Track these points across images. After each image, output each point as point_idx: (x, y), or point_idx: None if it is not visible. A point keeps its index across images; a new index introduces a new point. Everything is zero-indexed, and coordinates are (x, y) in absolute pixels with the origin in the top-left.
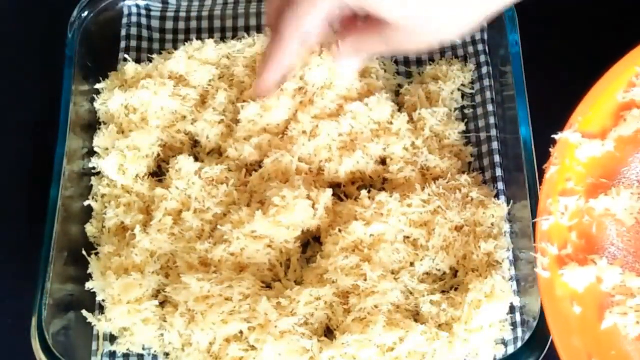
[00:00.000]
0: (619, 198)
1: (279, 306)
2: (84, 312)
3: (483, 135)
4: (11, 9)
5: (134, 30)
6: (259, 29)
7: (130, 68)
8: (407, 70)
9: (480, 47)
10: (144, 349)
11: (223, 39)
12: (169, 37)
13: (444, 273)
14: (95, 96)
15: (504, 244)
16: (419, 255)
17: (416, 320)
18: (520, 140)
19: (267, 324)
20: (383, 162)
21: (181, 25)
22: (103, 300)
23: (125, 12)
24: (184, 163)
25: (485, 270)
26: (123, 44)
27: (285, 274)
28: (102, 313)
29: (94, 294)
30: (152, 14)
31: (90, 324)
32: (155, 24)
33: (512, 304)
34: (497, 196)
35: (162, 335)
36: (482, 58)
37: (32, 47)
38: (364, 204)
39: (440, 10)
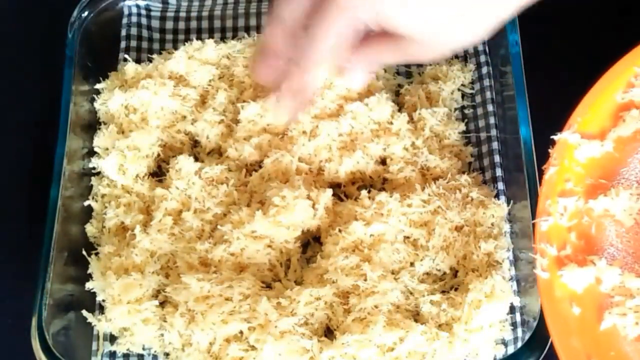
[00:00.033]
0: (618, 199)
1: (279, 306)
2: (84, 312)
3: (483, 135)
4: (11, 9)
5: (134, 30)
6: (259, 29)
7: (130, 68)
8: (407, 70)
9: (480, 47)
10: (144, 349)
11: (223, 39)
12: (169, 37)
13: (444, 273)
14: (95, 96)
15: (504, 244)
16: (419, 255)
17: (416, 320)
18: (520, 140)
19: (267, 324)
20: (383, 162)
21: (181, 25)
22: (103, 300)
23: (125, 12)
24: (184, 163)
25: (485, 270)
26: (123, 44)
27: (285, 274)
28: (102, 313)
29: (94, 294)
30: (152, 14)
31: (90, 324)
32: (155, 24)
33: (512, 304)
34: (497, 196)
35: (162, 335)
36: (482, 58)
37: (32, 47)
38: (364, 204)
39: (457, 22)
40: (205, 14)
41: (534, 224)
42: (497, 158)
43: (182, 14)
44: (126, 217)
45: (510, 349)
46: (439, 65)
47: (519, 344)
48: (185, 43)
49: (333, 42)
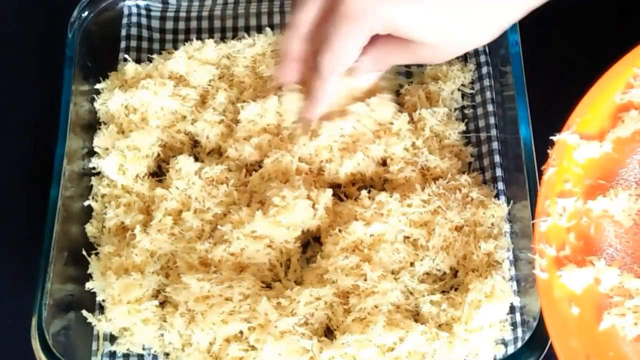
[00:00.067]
0: (616, 199)
1: (279, 306)
2: (84, 312)
3: (483, 135)
4: (11, 9)
5: (134, 30)
6: (259, 29)
7: (130, 68)
8: (407, 70)
9: (480, 47)
10: (144, 349)
11: (223, 39)
12: (169, 37)
13: (444, 273)
14: (95, 96)
15: (504, 244)
16: (419, 255)
17: (416, 320)
18: (520, 140)
19: (267, 324)
20: (384, 162)
21: (181, 25)
22: (103, 300)
23: (125, 12)
24: (184, 163)
25: (485, 270)
26: (123, 44)
27: (285, 274)
28: (102, 313)
29: (94, 294)
30: (152, 14)
31: (90, 324)
32: (155, 24)
33: (512, 304)
34: (497, 196)
35: (162, 335)
36: (482, 58)
37: (32, 47)
38: (364, 204)
39: (466, 26)
40: (205, 14)
41: (533, 225)
42: (497, 158)
43: (182, 14)
44: (126, 217)
45: (510, 349)
46: (438, 65)
47: (519, 344)
48: (185, 43)
49: (346, 51)
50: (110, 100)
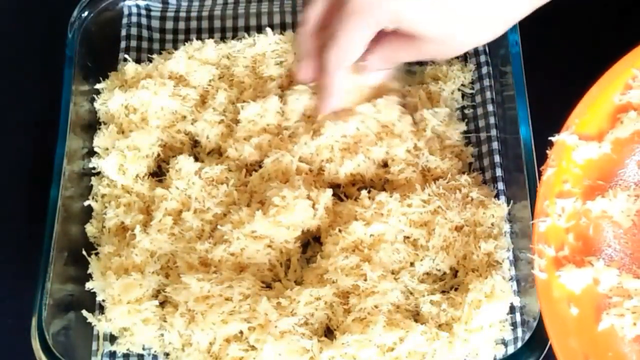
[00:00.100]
0: (615, 200)
1: (279, 306)
2: (84, 312)
3: (483, 135)
4: (11, 9)
5: (134, 30)
6: (259, 29)
7: (130, 68)
8: (409, 69)
9: (480, 47)
10: (144, 349)
11: (223, 39)
12: (169, 37)
13: (444, 273)
14: (95, 96)
15: (504, 244)
16: (419, 255)
17: (416, 320)
18: (520, 140)
19: (267, 324)
20: (384, 164)
21: (181, 25)
22: (103, 300)
23: (125, 12)
24: (184, 163)
25: (485, 270)
26: (123, 44)
27: (285, 274)
28: (102, 313)
29: (94, 294)
30: (152, 14)
31: (90, 324)
32: (155, 24)
33: (512, 304)
34: (497, 196)
35: (162, 335)
36: (482, 58)
37: (32, 47)
38: (364, 204)
39: (471, 23)
40: (205, 14)
41: (532, 225)
42: (497, 158)
43: (182, 14)
44: (126, 217)
45: (510, 349)
46: (438, 65)
47: (519, 344)
48: (185, 43)
49: (352, 45)
50: (110, 100)
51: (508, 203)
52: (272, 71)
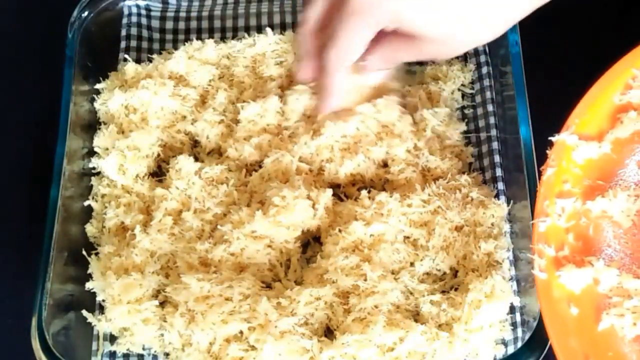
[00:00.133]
0: (615, 200)
1: (279, 306)
2: (84, 312)
3: (483, 135)
4: (11, 9)
5: (134, 30)
6: (259, 29)
7: (130, 68)
8: (409, 69)
9: (480, 47)
10: (144, 349)
11: (223, 39)
12: (169, 37)
13: (444, 273)
14: (95, 96)
15: (504, 244)
16: (419, 255)
17: (416, 320)
18: (520, 140)
19: (267, 324)
20: (384, 164)
21: (181, 25)
22: (103, 300)
23: (125, 12)
24: (184, 163)
25: (485, 270)
26: (123, 44)
27: (285, 274)
28: (102, 313)
29: (94, 294)
30: (152, 14)
31: (90, 324)
32: (155, 24)
33: (512, 304)
34: (497, 196)
35: (162, 335)
36: (482, 58)
37: (32, 47)
38: (364, 204)
39: (472, 23)
40: (205, 14)
41: (532, 225)
42: (497, 158)
43: (182, 14)
44: (126, 217)
45: (510, 349)
46: (438, 65)
47: (519, 344)
48: (185, 43)
49: (352, 45)
50: (110, 100)
51: (508, 203)
52: (272, 71)
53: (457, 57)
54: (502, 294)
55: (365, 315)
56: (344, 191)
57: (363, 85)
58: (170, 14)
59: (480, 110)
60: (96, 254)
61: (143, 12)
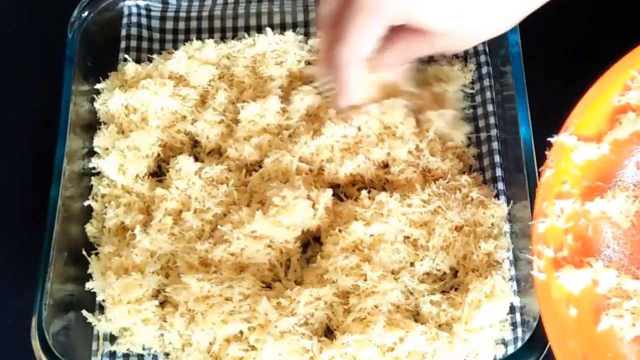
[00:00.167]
0: (614, 201)
1: (279, 306)
2: (84, 312)
3: (483, 135)
4: (11, 9)
5: (134, 30)
6: (259, 29)
7: (130, 68)
8: (419, 68)
9: (480, 47)
10: (144, 349)
11: (223, 39)
12: (169, 37)
13: (444, 273)
14: (95, 96)
15: (504, 244)
16: (419, 255)
17: (416, 320)
18: (520, 140)
19: (267, 324)
20: (385, 165)
21: (181, 25)
22: (103, 300)
23: (125, 12)
24: (184, 163)
25: (485, 270)
26: (123, 44)
27: (285, 274)
28: (102, 313)
29: (94, 294)
30: (152, 14)
31: (90, 324)
32: (155, 24)
33: (512, 304)
34: (497, 196)
35: (162, 335)
36: (482, 58)
37: (32, 47)
38: (364, 204)
39: (483, 17)
40: (205, 14)
41: (532, 225)
42: (497, 158)
43: (182, 14)
44: (126, 217)
45: (510, 349)
46: (439, 65)
47: (519, 344)
48: (185, 43)
49: (361, 42)
50: (110, 100)
51: (508, 203)
52: (272, 71)
53: (457, 57)
54: (502, 294)
55: (365, 315)
56: (344, 191)
57: (378, 82)
58: (170, 14)
59: (480, 110)
60: (96, 254)
61: (143, 12)
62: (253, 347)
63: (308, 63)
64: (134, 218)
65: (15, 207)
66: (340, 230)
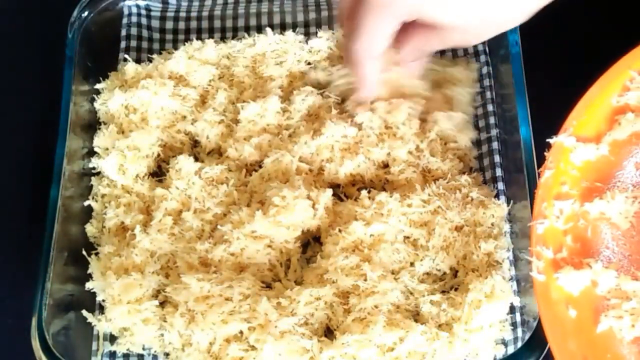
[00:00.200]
0: (613, 201)
1: (279, 306)
2: (84, 312)
3: (483, 135)
4: (11, 9)
5: (134, 30)
6: (259, 29)
7: (130, 68)
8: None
9: (480, 47)
10: (144, 349)
11: (223, 39)
12: (169, 37)
13: (444, 273)
14: (95, 96)
15: (504, 244)
16: (419, 255)
17: (416, 320)
18: (520, 140)
19: (267, 324)
20: (385, 165)
21: (181, 25)
22: (103, 300)
23: (125, 12)
24: (184, 163)
25: (485, 270)
26: (123, 44)
27: (285, 274)
28: (102, 313)
29: (94, 294)
30: (152, 14)
31: (90, 324)
32: (155, 24)
33: (512, 304)
34: (497, 196)
35: (162, 335)
36: (482, 58)
37: (32, 47)
38: (364, 204)
39: (495, 10)
40: (205, 14)
41: (531, 226)
42: (497, 158)
43: (182, 14)
44: (126, 217)
45: (510, 349)
46: (443, 67)
47: (519, 344)
48: (185, 43)
49: (374, 39)
50: (110, 100)
51: (508, 203)
52: (272, 71)
53: (460, 57)
54: (502, 294)
55: (365, 315)
56: (344, 191)
57: (388, 81)
58: (170, 14)
59: (480, 110)
60: (96, 254)
61: (143, 12)
62: (253, 347)
63: (308, 63)
64: (134, 218)
65: (15, 207)
66: (340, 230)
